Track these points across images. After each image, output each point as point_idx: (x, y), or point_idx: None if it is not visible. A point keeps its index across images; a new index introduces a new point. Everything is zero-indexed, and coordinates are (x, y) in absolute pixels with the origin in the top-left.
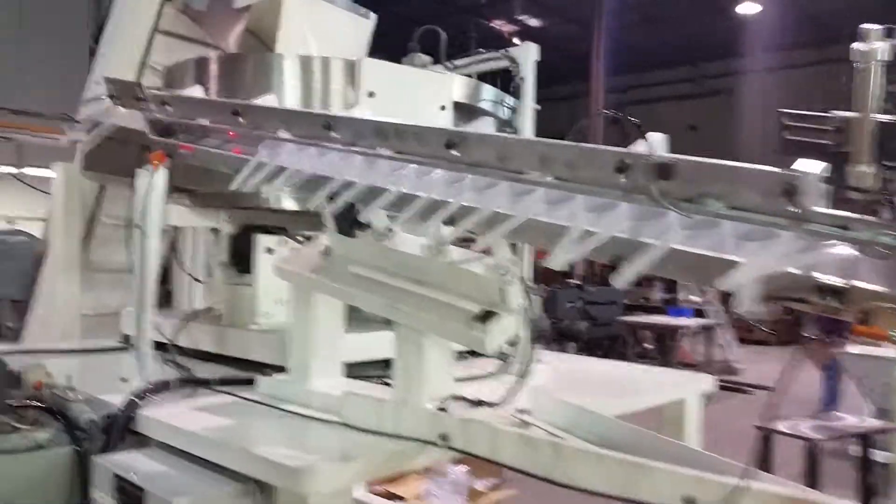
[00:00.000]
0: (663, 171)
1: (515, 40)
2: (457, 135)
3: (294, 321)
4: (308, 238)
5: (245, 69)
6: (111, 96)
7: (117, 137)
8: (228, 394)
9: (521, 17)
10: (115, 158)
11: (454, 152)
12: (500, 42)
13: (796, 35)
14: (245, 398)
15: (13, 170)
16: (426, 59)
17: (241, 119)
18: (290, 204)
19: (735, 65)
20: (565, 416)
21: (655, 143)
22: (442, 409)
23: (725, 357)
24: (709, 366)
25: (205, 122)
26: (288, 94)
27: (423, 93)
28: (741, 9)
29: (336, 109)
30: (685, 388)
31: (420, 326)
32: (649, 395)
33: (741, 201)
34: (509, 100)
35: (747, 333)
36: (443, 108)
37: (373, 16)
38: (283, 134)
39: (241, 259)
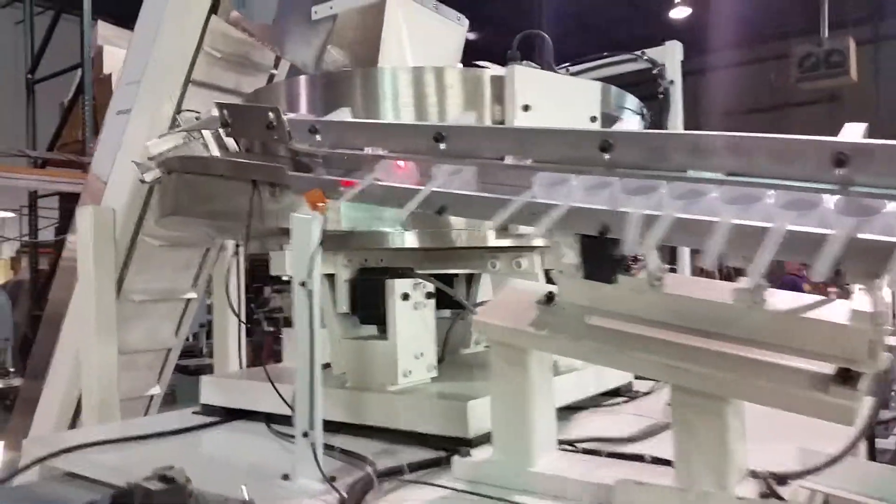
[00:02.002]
0: None
1: None
2: (853, 147)
3: (500, 386)
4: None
5: (358, 86)
6: (224, 125)
7: (226, 175)
8: (431, 484)
9: None
10: (216, 201)
11: (841, 171)
12: None
13: (726, 37)
14: (456, 489)
15: None
16: (534, 66)
17: (442, 146)
18: (412, 241)
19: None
20: (866, 481)
21: None
22: (771, 495)
23: None
24: None
25: (379, 150)
26: (406, 115)
27: (575, 103)
28: (673, 13)
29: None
30: None
31: (729, 393)
32: None
33: None
34: (632, 103)
35: None
36: (594, 118)
37: (465, 21)
38: (511, 160)
39: (362, 308)
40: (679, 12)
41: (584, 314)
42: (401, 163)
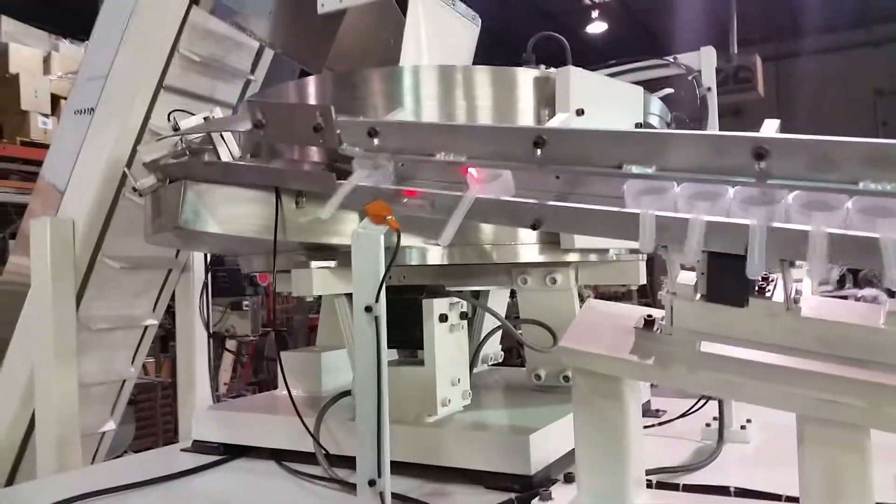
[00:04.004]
0: None
1: None
2: None
3: (590, 420)
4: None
5: (378, 86)
6: (258, 125)
7: (252, 184)
8: None
9: None
10: (233, 213)
11: None
12: None
13: (638, 52)
14: None
15: None
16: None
17: (539, 151)
18: (441, 257)
19: None
20: None
21: None
22: None
23: None
24: None
25: (455, 157)
26: (440, 119)
27: (623, 108)
28: (590, 28)
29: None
30: None
31: (885, 426)
32: None
33: None
34: (657, 109)
35: None
36: (639, 125)
37: (479, 20)
38: (636, 170)
39: (390, 330)
40: (596, 27)
41: (696, 340)
42: (473, 170)
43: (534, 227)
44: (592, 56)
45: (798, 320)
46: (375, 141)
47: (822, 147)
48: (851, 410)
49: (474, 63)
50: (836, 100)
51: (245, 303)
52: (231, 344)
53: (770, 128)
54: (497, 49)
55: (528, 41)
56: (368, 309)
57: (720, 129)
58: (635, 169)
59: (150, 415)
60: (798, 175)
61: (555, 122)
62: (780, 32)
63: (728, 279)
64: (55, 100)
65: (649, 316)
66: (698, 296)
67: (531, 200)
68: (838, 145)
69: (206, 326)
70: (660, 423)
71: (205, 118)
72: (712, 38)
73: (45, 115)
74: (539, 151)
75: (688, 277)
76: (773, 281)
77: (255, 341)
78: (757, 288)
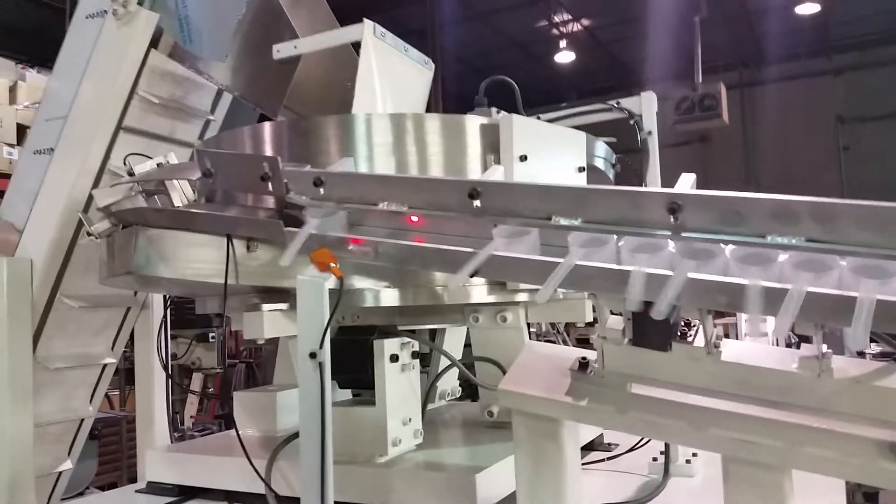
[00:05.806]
0: None
1: None
2: None
3: (529, 461)
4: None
5: (330, 133)
6: (206, 174)
7: (206, 230)
8: None
9: None
10: (185, 258)
11: None
12: None
13: (607, 81)
14: None
15: None
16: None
17: (476, 203)
18: (395, 298)
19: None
20: None
21: None
22: None
23: None
24: None
25: (397, 206)
26: (391, 165)
27: (565, 153)
28: (558, 57)
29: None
30: None
31: (797, 465)
32: None
33: None
34: (602, 152)
35: None
36: (581, 169)
37: (432, 65)
38: (564, 221)
39: (342, 371)
40: (564, 57)
41: (626, 382)
42: (413, 218)
43: (471, 276)
44: (562, 85)
45: (718, 364)
46: (321, 190)
47: (731, 203)
48: (769, 451)
49: (444, 95)
50: (800, 126)
51: (211, 335)
52: (197, 376)
53: (686, 183)
54: (471, 77)
55: (497, 74)
56: (313, 355)
57: (687, 157)
58: (563, 221)
59: (116, 450)
60: (710, 228)
61: (490, 175)
62: (744, 61)
63: (652, 325)
64: (21, 130)
65: (584, 358)
66: (626, 340)
67: (468, 249)
68: (746, 201)
69: (164, 365)
70: (608, 458)
71: (158, 164)
72: (678, 67)
73: (11, 146)
74: (475, 202)
75: (617, 322)
76: (695, 326)
77: (223, 373)
78: (680, 333)
